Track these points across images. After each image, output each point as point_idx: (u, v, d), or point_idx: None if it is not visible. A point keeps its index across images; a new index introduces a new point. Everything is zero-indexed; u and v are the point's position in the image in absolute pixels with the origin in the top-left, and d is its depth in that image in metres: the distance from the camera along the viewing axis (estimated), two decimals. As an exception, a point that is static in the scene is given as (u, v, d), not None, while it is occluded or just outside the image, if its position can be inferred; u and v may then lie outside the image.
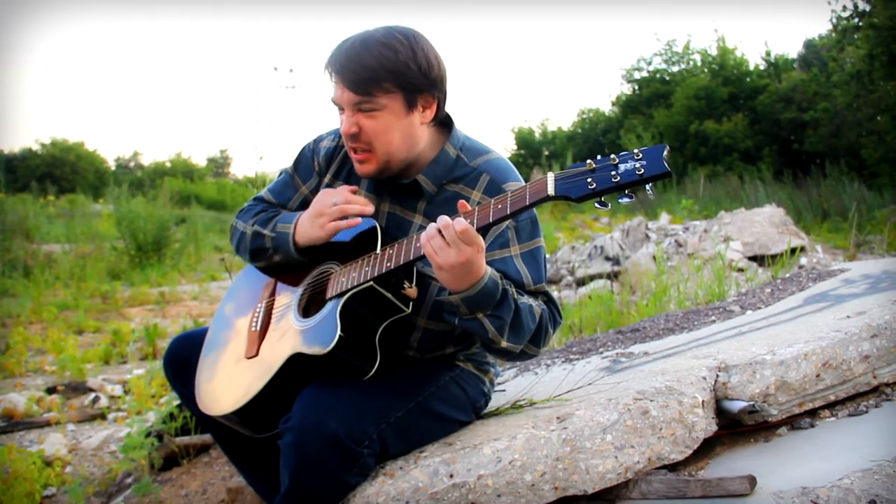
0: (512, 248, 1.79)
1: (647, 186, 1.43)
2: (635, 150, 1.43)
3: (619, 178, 1.42)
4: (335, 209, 1.81)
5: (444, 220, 1.56)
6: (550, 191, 1.49)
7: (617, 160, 1.44)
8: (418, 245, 1.64)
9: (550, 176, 1.51)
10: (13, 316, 6.95)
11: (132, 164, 44.37)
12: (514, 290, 1.71)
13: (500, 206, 1.55)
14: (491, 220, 1.56)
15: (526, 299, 1.73)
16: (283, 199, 2.05)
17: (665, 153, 1.42)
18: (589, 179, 1.45)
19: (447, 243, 1.54)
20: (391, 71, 1.71)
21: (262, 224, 1.97)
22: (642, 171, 1.41)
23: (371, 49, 1.71)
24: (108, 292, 8.10)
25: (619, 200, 1.46)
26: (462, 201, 1.60)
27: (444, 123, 1.91)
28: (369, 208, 1.82)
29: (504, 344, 1.69)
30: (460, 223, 1.53)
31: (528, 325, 1.71)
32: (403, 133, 1.79)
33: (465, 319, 1.67)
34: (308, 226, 1.85)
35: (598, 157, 1.47)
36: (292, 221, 1.90)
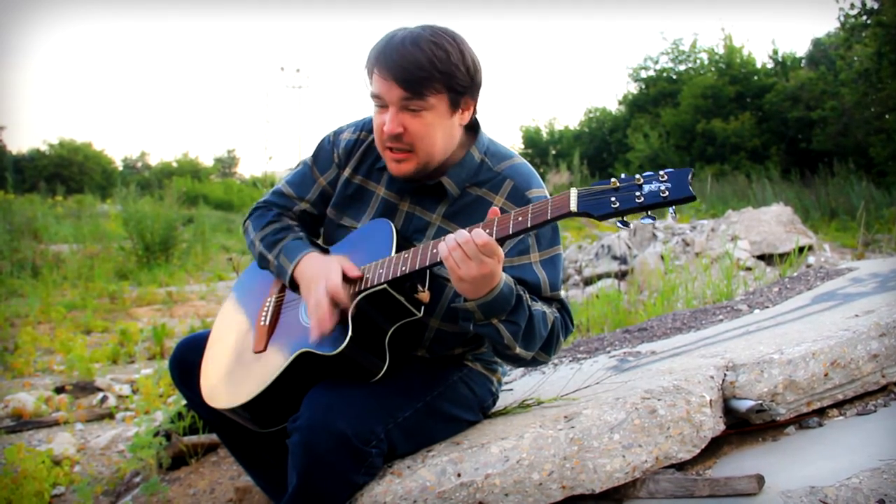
0: (532, 255, 1.79)
1: (671, 209, 1.42)
2: (661, 172, 1.42)
3: (642, 198, 1.41)
4: (316, 299, 1.71)
5: (463, 234, 1.54)
6: (573, 207, 1.47)
7: (641, 180, 1.43)
8: (435, 251, 1.64)
9: (573, 192, 1.49)
10: (22, 316, 6.99)
11: (139, 165, 44.52)
12: (528, 295, 1.71)
13: (520, 219, 1.54)
14: (511, 232, 1.54)
15: (540, 306, 1.73)
16: (302, 192, 2.04)
17: (690, 177, 1.40)
18: (613, 198, 1.44)
19: (468, 256, 1.53)
20: (442, 72, 1.71)
21: (269, 247, 1.96)
22: (667, 193, 1.40)
23: (423, 48, 1.70)
24: (115, 292, 8.14)
25: (642, 220, 1.45)
26: (494, 208, 1.59)
27: (470, 126, 1.90)
28: (328, 325, 1.68)
29: (517, 350, 1.69)
30: (480, 237, 1.52)
31: (541, 332, 1.71)
32: (445, 134, 1.79)
33: (480, 325, 1.67)
34: (303, 279, 1.82)
35: (623, 175, 1.46)
36: (294, 259, 1.87)
